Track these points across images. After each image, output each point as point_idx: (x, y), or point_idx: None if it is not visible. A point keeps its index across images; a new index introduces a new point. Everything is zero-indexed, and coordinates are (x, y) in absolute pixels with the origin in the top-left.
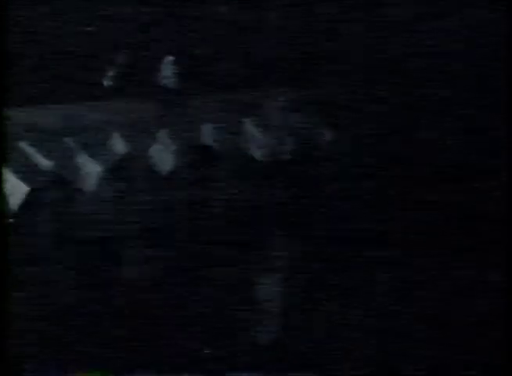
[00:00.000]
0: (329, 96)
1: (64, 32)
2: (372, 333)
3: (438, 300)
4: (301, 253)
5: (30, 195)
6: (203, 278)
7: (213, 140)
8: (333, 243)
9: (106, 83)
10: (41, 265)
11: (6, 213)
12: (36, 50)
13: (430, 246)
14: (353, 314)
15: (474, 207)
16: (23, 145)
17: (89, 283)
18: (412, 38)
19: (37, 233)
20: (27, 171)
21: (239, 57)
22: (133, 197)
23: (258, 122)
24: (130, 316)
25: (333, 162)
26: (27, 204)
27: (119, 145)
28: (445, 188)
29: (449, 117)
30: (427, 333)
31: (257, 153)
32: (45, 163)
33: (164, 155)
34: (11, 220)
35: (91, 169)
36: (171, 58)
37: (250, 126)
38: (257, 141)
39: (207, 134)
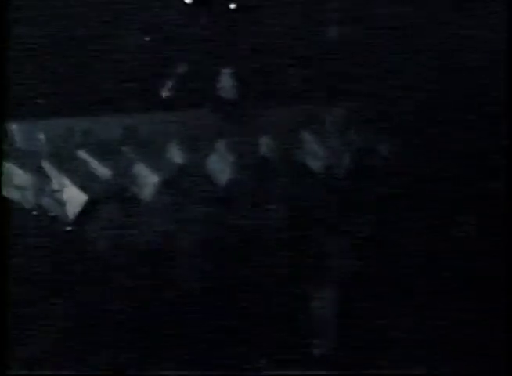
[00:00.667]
0: (390, 108)
1: (122, 42)
2: (433, 347)
3: None
4: (359, 267)
5: (87, 204)
6: (259, 290)
7: (271, 152)
8: (394, 256)
9: (164, 94)
10: (97, 274)
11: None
12: (96, 59)
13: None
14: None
15: None
16: (82, 154)
17: (144, 293)
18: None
19: (94, 243)
20: (86, 181)
21: (298, 69)
22: (190, 208)
23: (317, 134)
24: (183, 326)
25: (392, 176)
26: (85, 213)
27: (176, 156)
28: None
29: None
30: None
31: (316, 166)
32: (103, 172)
33: (221, 166)
34: (68, 228)
35: (148, 179)
36: (229, 69)
37: (308, 138)
38: (315, 153)
39: (265, 145)
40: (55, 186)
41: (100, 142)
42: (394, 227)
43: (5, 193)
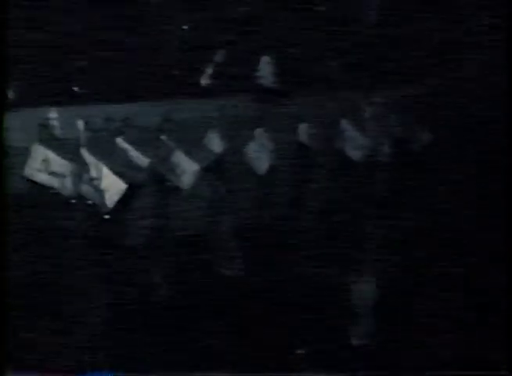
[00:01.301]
0: (430, 96)
1: (163, 29)
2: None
3: None
4: (398, 254)
5: (127, 192)
6: (296, 277)
7: (310, 139)
8: (433, 245)
9: (203, 81)
10: (136, 261)
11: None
12: (135, 46)
13: None
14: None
15: None
16: (121, 141)
17: (183, 280)
18: None
19: (133, 230)
20: (125, 168)
21: (338, 56)
22: (229, 196)
23: (356, 122)
24: (225, 313)
25: (431, 165)
26: (124, 200)
27: (216, 143)
28: None
29: None
30: None
31: (354, 154)
32: (142, 160)
33: (260, 154)
34: (106, 216)
35: (187, 167)
36: (269, 56)
37: (347, 126)
38: (353, 141)
39: (304, 133)
40: (93, 173)
41: (139, 129)
42: (431, 215)
43: (42, 180)
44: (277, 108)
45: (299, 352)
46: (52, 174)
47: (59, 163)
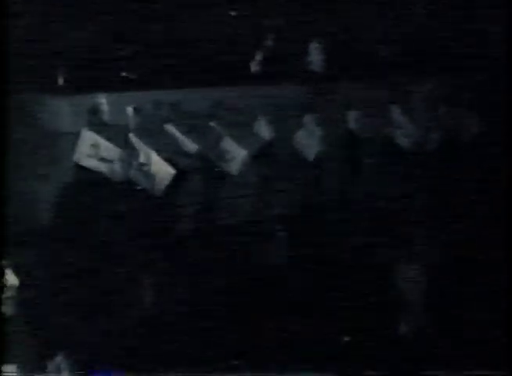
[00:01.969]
0: (479, 86)
1: (211, 15)
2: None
3: None
4: (446, 245)
5: (176, 177)
6: (344, 267)
7: (359, 126)
8: (480, 235)
9: (253, 68)
10: (184, 246)
11: None
12: (185, 32)
13: None
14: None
15: None
16: (170, 128)
17: (230, 265)
18: None
19: (180, 215)
20: (174, 154)
21: (389, 43)
22: (278, 182)
23: (406, 110)
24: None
25: (478, 155)
26: (173, 187)
27: (265, 130)
28: None
29: None
30: None
31: (403, 141)
32: (191, 146)
33: (309, 140)
34: (156, 201)
35: (236, 153)
36: (318, 42)
37: (397, 113)
38: (403, 129)
39: (354, 120)
40: (142, 159)
41: (188, 115)
42: (484, 205)
43: (91, 165)
44: (327, 94)
45: (345, 339)
46: (101, 159)
47: (108, 148)
